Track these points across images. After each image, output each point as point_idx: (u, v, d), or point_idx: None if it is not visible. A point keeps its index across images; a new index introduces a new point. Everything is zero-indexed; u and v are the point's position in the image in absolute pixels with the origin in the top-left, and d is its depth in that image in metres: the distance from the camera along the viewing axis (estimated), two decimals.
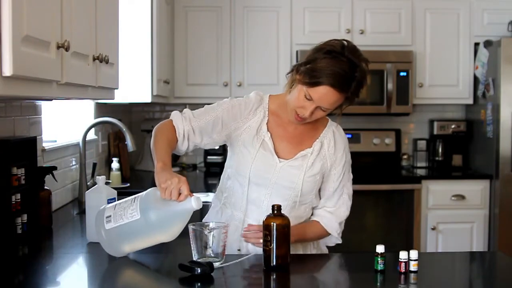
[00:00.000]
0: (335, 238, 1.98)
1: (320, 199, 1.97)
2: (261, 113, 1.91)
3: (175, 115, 1.92)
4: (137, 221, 1.65)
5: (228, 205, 1.96)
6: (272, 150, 1.88)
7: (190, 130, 1.89)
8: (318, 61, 1.75)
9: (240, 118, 1.90)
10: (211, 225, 1.70)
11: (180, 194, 1.61)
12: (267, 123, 1.91)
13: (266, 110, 1.92)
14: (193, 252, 1.68)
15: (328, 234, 1.96)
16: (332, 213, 1.95)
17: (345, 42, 1.79)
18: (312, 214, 1.98)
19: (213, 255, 1.66)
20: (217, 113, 1.90)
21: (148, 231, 1.65)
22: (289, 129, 1.92)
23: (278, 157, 1.88)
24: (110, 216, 1.71)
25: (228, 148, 1.98)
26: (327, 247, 2.03)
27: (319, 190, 1.96)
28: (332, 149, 1.92)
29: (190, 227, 1.67)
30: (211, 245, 1.66)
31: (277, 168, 1.87)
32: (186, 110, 1.93)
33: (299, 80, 1.78)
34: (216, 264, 1.63)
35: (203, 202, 2.86)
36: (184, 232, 1.68)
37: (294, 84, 1.82)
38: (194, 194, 1.63)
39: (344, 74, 1.73)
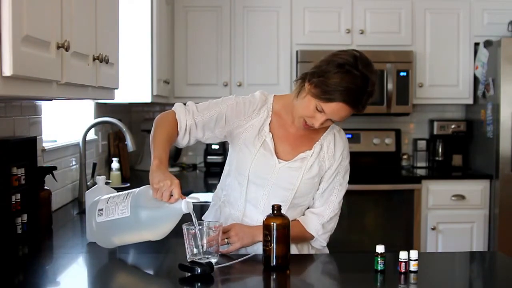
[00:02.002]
0: (319, 241, 1.94)
1: None
2: (265, 113, 1.91)
3: (178, 107, 1.90)
4: (127, 218, 1.66)
5: (227, 203, 1.96)
6: (272, 150, 1.88)
7: (192, 124, 1.87)
8: (331, 75, 1.72)
9: (243, 116, 1.89)
10: (205, 224, 1.70)
11: (171, 196, 1.61)
12: (269, 124, 1.90)
13: (270, 111, 1.92)
14: (187, 251, 1.68)
15: (310, 234, 1.92)
16: (316, 214, 1.92)
17: (356, 53, 1.76)
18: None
19: (207, 255, 1.67)
20: (221, 109, 1.89)
21: (137, 228, 1.66)
22: (291, 131, 1.92)
23: (278, 158, 1.88)
24: (102, 209, 1.72)
25: (229, 145, 1.98)
26: (328, 247, 2.02)
27: None
28: (331, 151, 1.91)
29: (184, 227, 1.68)
30: (204, 245, 1.67)
31: (276, 169, 1.87)
32: (190, 103, 1.91)
33: (311, 92, 1.76)
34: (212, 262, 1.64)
35: (203, 201, 2.88)
36: (182, 233, 1.68)
37: (303, 91, 1.80)
38: (186, 197, 1.63)
39: (357, 89, 1.71)
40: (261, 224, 1.70)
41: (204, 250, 1.67)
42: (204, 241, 1.67)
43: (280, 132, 1.91)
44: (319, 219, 1.92)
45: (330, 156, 1.91)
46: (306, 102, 1.78)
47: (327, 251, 2.01)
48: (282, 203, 1.80)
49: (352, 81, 1.71)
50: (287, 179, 1.87)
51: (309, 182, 1.89)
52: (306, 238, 1.93)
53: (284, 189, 1.88)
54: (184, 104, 1.92)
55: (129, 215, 1.65)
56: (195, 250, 1.67)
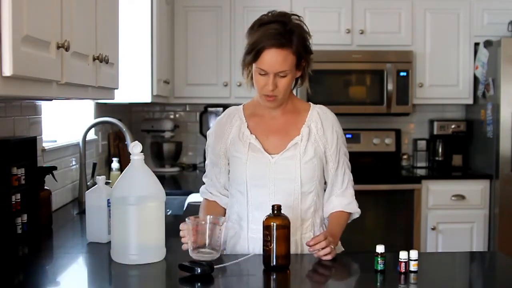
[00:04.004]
0: (357, 211, 1.98)
1: (324, 184, 1.97)
2: (237, 121, 1.95)
3: (201, 193, 2.07)
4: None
5: (235, 220, 1.95)
6: (261, 149, 1.89)
7: (210, 184, 2.02)
8: (252, 37, 1.83)
9: (223, 137, 1.95)
10: (208, 219, 1.70)
11: None
12: (248, 127, 1.93)
13: (242, 117, 1.95)
14: (189, 246, 1.68)
15: (349, 215, 1.97)
16: (344, 196, 1.95)
17: (273, 11, 1.87)
18: (323, 207, 1.97)
19: (209, 250, 1.68)
20: (210, 151, 2.00)
21: (137, 210, 1.68)
22: (272, 124, 1.93)
23: (269, 153, 1.89)
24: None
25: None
26: (343, 246, 2.02)
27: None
28: (320, 130, 1.92)
29: (187, 220, 1.68)
30: (207, 239, 1.68)
31: (271, 164, 1.88)
32: (204, 177, 2.07)
33: (248, 64, 1.85)
34: (212, 256, 1.66)
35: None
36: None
37: (250, 75, 1.89)
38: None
39: (277, 31, 1.79)
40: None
41: (208, 245, 1.68)
42: (207, 234, 1.68)
43: (262, 129, 1.93)
44: (349, 197, 1.96)
45: (321, 135, 1.92)
46: (254, 78, 1.86)
47: (342, 248, 2.00)
48: (290, 197, 1.82)
49: (268, 28, 1.80)
50: (285, 169, 1.87)
51: (309, 166, 1.89)
52: (348, 220, 1.99)
53: (287, 180, 1.87)
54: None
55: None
56: (200, 245, 1.67)
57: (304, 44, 1.84)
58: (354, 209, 1.96)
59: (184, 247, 1.74)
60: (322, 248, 1.73)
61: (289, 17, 1.84)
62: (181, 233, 1.76)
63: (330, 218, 1.95)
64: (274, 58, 1.78)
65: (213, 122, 2.64)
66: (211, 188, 2.02)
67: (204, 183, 2.07)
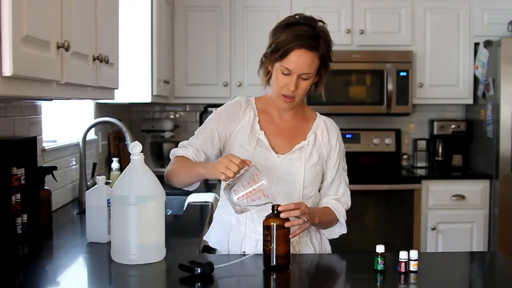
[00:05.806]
0: (339, 226, 1.96)
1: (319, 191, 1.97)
2: (251, 112, 1.94)
3: (174, 151, 1.95)
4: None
5: (231, 213, 1.94)
6: (268, 146, 1.90)
7: (195, 150, 1.92)
8: (279, 36, 1.82)
9: (232, 121, 1.92)
10: (263, 181, 1.68)
11: None
12: (258, 122, 1.93)
13: (255, 110, 1.95)
14: (231, 185, 1.70)
15: (336, 220, 1.94)
16: (337, 200, 1.96)
17: (296, 14, 1.89)
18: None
19: (232, 193, 1.69)
20: (210, 127, 1.94)
21: (137, 210, 1.67)
22: (281, 124, 1.95)
23: (276, 152, 1.90)
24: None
25: None
26: (331, 247, 2.02)
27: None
28: (326, 138, 1.95)
29: (254, 167, 1.70)
30: (236, 183, 1.68)
31: (277, 163, 1.88)
32: (181, 142, 1.98)
33: (271, 61, 1.84)
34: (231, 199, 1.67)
35: (203, 201, 2.87)
36: (182, 233, 1.68)
37: (267, 75, 1.89)
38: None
39: (306, 33, 1.80)
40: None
41: (234, 188, 1.68)
42: (239, 180, 1.68)
43: (271, 127, 1.94)
44: (342, 205, 1.95)
45: (326, 143, 1.94)
46: (274, 76, 1.85)
47: (330, 250, 2.00)
48: (291, 198, 1.82)
49: (297, 29, 1.81)
50: (290, 170, 1.88)
51: (312, 170, 1.90)
52: (332, 224, 1.95)
53: (290, 181, 1.88)
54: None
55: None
56: (231, 184, 1.68)
57: (328, 50, 1.85)
58: (341, 219, 1.93)
59: (222, 176, 1.68)
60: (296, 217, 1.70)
61: (316, 21, 1.85)
62: (234, 167, 1.65)
63: (323, 206, 1.94)
64: (302, 59, 1.79)
65: None
66: (191, 154, 1.91)
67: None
